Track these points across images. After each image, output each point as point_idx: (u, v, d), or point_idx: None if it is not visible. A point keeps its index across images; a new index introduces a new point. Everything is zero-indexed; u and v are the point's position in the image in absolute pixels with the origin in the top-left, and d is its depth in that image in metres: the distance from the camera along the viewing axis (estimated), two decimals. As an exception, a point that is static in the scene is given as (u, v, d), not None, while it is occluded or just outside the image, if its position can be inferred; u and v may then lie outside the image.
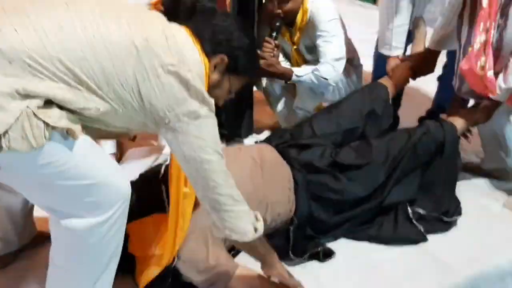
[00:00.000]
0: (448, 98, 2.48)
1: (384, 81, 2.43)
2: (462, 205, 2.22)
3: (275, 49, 2.45)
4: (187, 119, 1.45)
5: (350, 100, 2.32)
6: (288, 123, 2.74)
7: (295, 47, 2.60)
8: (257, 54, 1.72)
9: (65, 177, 1.38)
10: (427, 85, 3.13)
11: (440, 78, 2.87)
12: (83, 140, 1.40)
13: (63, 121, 1.33)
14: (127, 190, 1.50)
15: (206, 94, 1.47)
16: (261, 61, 2.36)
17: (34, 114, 1.28)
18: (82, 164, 1.40)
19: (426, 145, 2.11)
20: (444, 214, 2.12)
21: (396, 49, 2.51)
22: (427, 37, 2.55)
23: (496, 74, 2.04)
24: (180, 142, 1.47)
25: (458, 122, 2.22)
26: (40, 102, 1.30)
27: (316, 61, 2.51)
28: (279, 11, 2.42)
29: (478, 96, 2.13)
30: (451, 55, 2.41)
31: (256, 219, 1.60)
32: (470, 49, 2.03)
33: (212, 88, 1.53)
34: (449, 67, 2.53)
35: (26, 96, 1.28)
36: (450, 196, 2.18)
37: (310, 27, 2.49)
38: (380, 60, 2.66)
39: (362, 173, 2.04)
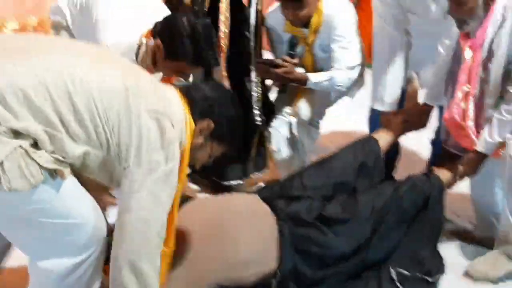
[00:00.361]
0: (441, 162, 2.48)
1: (378, 134, 2.43)
2: (449, 270, 2.16)
3: (295, 66, 2.50)
4: (146, 167, 1.46)
5: (342, 154, 2.32)
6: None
7: (308, 48, 2.60)
8: (241, 125, 1.78)
9: (48, 215, 1.42)
10: (421, 149, 3.14)
11: (433, 143, 2.88)
12: (71, 181, 1.45)
13: (51, 163, 1.38)
14: (104, 232, 1.53)
15: (177, 152, 1.50)
16: (281, 70, 2.43)
17: (27, 154, 1.33)
18: (68, 204, 1.45)
19: (412, 199, 2.09)
20: (428, 274, 2.06)
21: (389, 104, 2.52)
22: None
23: (479, 127, 2.06)
24: (130, 191, 1.46)
25: (445, 175, 2.21)
26: (31, 141, 1.36)
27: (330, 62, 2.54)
28: (295, 17, 2.47)
29: (464, 149, 2.14)
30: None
31: None
32: (452, 100, 2.07)
33: (194, 151, 1.60)
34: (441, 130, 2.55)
35: (17, 134, 1.34)
36: (433, 253, 2.13)
37: (326, 28, 2.51)
38: (374, 115, 2.67)
39: (347, 227, 2.02)
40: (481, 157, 2.11)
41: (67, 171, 1.41)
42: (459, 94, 2.05)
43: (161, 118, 1.48)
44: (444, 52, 2.27)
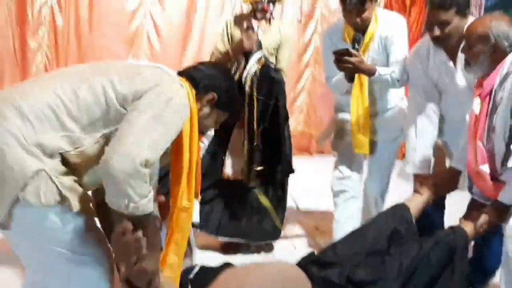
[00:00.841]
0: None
1: (409, 200, 2.50)
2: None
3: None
4: (150, 96, 1.67)
5: (373, 224, 2.38)
6: None
7: (363, 54, 2.76)
8: (236, 95, 2.05)
9: (60, 245, 1.60)
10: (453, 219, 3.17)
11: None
12: (86, 217, 1.63)
13: (70, 193, 1.56)
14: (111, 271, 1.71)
15: (179, 88, 1.76)
16: (354, 59, 2.59)
17: (50, 178, 1.53)
18: (79, 238, 1.62)
19: (438, 253, 2.12)
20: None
21: (420, 166, 2.62)
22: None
23: (496, 174, 2.09)
24: (131, 115, 1.62)
25: (469, 227, 2.24)
26: (57, 164, 1.56)
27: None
28: (358, 20, 2.68)
29: (488, 198, 2.18)
30: None
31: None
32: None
33: (202, 119, 1.87)
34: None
35: (44, 153, 1.54)
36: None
37: (381, 36, 2.74)
38: None
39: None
40: (503, 207, 2.13)
41: (77, 205, 1.59)
42: (471, 141, 2.13)
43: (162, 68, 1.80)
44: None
